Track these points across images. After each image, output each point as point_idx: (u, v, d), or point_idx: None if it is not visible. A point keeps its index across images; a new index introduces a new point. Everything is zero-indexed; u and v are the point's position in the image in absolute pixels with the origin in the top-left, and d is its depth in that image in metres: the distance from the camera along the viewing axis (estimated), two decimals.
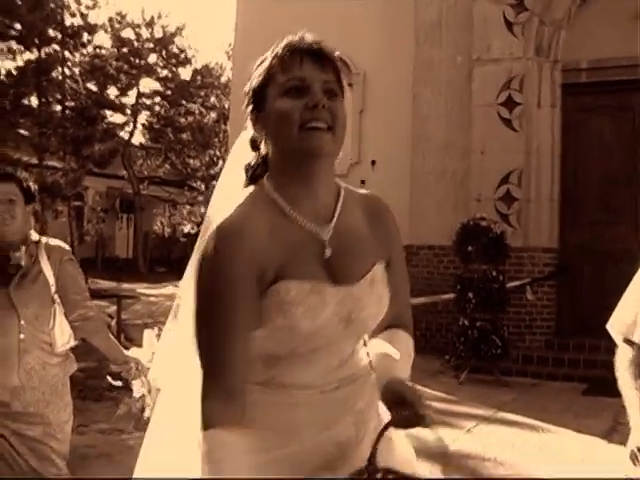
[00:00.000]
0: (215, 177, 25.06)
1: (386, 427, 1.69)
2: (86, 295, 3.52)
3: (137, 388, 2.93)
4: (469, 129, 9.85)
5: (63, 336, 3.39)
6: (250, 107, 1.78)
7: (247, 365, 1.66)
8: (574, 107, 9.85)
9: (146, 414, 2.74)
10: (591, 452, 6.02)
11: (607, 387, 8.35)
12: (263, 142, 1.78)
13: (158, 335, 3.72)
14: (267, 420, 1.69)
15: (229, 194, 1.84)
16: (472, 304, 8.76)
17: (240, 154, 1.89)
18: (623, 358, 2.17)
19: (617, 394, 7.92)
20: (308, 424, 1.70)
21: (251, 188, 1.77)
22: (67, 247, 3.58)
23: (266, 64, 1.74)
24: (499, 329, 8.78)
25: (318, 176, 1.74)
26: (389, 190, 11.75)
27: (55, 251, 3.49)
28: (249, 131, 1.83)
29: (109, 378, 3.34)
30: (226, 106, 27.51)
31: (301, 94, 1.68)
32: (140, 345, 3.06)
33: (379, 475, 1.62)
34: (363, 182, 12.44)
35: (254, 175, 1.82)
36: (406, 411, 1.67)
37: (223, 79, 32.33)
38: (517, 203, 9.73)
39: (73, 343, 3.45)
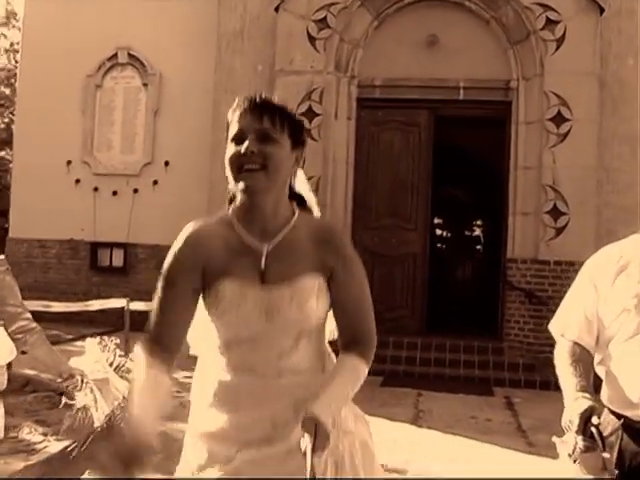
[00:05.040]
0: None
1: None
2: (25, 307, 3.44)
3: (80, 399, 2.97)
4: None
5: (3, 349, 3.32)
6: None
7: (181, 326, 2.07)
8: (368, 120, 10.51)
9: (96, 424, 2.82)
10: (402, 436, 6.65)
11: (399, 379, 9.12)
12: None
13: (99, 344, 3.69)
14: (217, 392, 2.08)
15: None
16: None
17: None
18: (561, 349, 2.63)
19: (410, 385, 8.60)
20: (245, 402, 2.04)
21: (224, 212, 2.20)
22: (1, 256, 3.48)
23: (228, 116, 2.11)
24: None
25: (260, 206, 2.09)
26: (184, 193, 11.91)
27: None
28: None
29: (64, 398, 3.29)
30: None
31: (241, 142, 2.03)
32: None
33: None
34: (156, 182, 12.47)
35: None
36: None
37: None
38: None
39: (14, 355, 3.37)
